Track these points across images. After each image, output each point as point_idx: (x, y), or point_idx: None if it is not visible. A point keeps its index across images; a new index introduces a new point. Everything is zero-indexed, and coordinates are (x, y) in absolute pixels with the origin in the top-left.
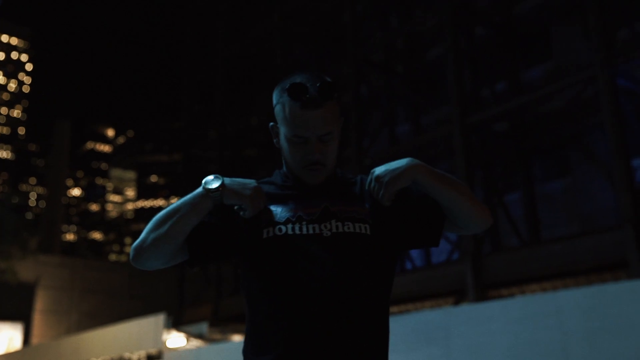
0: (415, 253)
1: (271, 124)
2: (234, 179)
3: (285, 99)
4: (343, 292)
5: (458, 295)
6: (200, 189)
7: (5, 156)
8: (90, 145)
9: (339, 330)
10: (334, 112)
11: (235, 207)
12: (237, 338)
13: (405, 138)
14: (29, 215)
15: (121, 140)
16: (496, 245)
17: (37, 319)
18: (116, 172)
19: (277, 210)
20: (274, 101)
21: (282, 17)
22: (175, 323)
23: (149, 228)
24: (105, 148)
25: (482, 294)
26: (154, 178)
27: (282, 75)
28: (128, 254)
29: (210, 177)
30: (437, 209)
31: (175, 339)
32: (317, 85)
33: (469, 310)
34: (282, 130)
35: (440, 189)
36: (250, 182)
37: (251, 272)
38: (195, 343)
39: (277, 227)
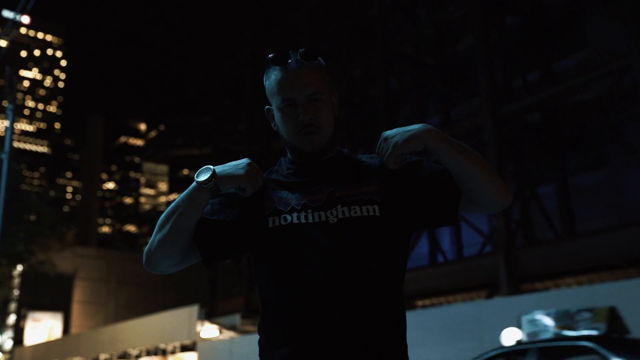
0: (446, 246)
1: (266, 107)
2: (224, 164)
3: (272, 71)
4: (351, 281)
5: (491, 289)
6: (194, 183)
7: (43, 150)
8: (123, 139)
9: (351, 320)
10: (320, 74)
11: (237, 191)
12: None
13: None
14: (66, 209)
15: (153, 134)
16: (529, 238)
17: (76, 309)
18: (149, 166)
19: (283, 198)
20: (264, 82)
21: (310, 11)
22: (208, 315)
23: (155, 231)
24: (138, 142)
25: (515, 287)
26: (185, 171)
27: None
28: None
29: (201, 169)
30: (452, 185)
31: (209, 330)
32: (300, 51)
33: (502, 304)
34: (274, 104)
35: (454, 156)
36: (242, 161)
37: (259, 262)
38: (228, 334)
39: (283, 216)
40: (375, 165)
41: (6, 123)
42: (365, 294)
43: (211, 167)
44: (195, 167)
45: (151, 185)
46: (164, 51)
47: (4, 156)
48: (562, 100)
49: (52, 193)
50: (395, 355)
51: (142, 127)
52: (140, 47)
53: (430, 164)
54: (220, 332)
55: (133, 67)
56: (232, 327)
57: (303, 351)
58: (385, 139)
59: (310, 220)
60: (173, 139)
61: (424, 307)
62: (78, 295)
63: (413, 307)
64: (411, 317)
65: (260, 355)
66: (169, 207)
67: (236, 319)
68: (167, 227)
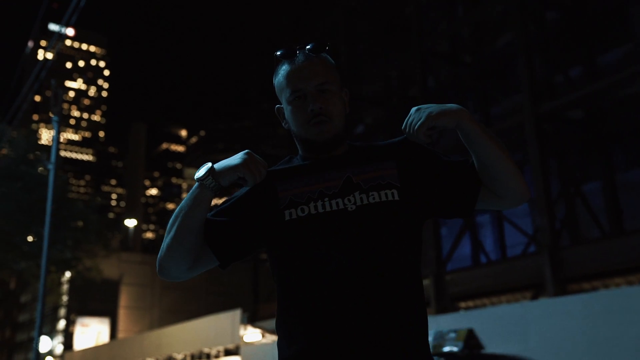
0: (489, 246)
1: (277, 106)
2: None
3: (280, 67)
4: (373, 270)
5: (536, 290)
6: (196, 183)
7: (88, 159)
8: (165, 146)
9: (376, 312)
10: (328, 66)
11: (240, 183)
12: None
13: None
14: (111, 215)
15: (194, 140)
16: (575, 237)
17: (122, 314)
18: (190, 172)
19: (296, 188)
20: (273, 81)
21: (346, 12)
22: (251, 319)
23: (164, 237)
24: (179, 148)
25: (562, 287)
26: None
27: (347, 71)
28: None
29: (200, 167)
30: (474, 175)
31: (252, 334)
32: (307, 45)
33: (548, 305)
34: (284, 99)
35: (484, 140)
36: (240, 153)
37: (277, 257)
38: (271, 338)
39: (299, 207)
40: (393, 148)
41: (52, 133)
42: (388, 283)
43: (209, 163)
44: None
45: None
46: (203, 57)
47: (51, 166)
48: (606, 95)
49: (97, 200)
50: (417, 347)
51: (183, 133)
52: (180, 54)
53: (449, 158)
54: (263, 335)
55: (173, 74)
56: (274, 331)
57: (328, 342)
58: (418, 109)
59: (327, 208)
60: (214, 144)
61: (467, 308)
62: (124, 300)
63: (456, 308)
64: (454, 319)
65: (279, 355)
66: (175, 212)
67: None
68: (173, 231)
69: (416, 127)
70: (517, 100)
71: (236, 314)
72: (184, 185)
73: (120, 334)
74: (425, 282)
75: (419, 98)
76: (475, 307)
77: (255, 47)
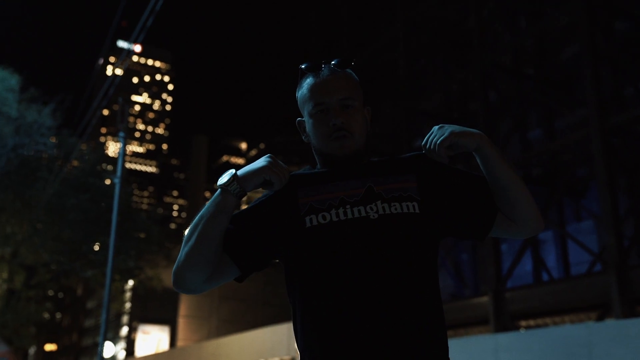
0: (551, 263)
1: (298, 119)
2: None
3: (304, 80)
4: (394, 279)
5: (602, 310)
6: (218, 190)
7: (152, 170)
8: (225, 158)
9: (398, 321)
10: (352, 82)
11: (265, 189)
12: None
13: (538, 143)
14: (172, 226)
15: (253, 153)
16: None
17: (182, 323)
18: None
19: (317, 195)
20: (296, 94)
21: (406, 26)
22: None
23: (182, 246)
24: (239, 161)
25: (630, 309)
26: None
27: (407, 85)
28: None
29: (223, 174)
30: (491, 200)
31: None
32: (333, 60)
33: (615, 327)
34: (306, 112)
35: (502, 165)
36: (263, 157)
37: (296, 265)
38: None
39: (321, 214)
40: (413, 162)
41: (119, 146)
42: (410, 294)
43: (232, 169)
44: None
45: (251, 202)
46: (263, 72)
47: (117, 180)
48: None
49: (159, 211)
50: (435, 357)
51: (244, 146)
52: (241, 68)
53: (469, 172)
54: None
55: (235, 88)
56: None
57: (345, 347)
58: (441, 127)
59: (350, 216)
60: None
61: (528, 327)
62: (183, 309)
63: (516, 327)
64: (514, 338)
65: None
66: (195, 219)
67: None
68: (193, 238)
69: (438, 142)
70: (583, 113)
71: (292, 326)
72: (244, 199)
73: (180, 342)
74: (484, 299)
75: (480, 112)
76: (537, 326)
77: (314, 61)
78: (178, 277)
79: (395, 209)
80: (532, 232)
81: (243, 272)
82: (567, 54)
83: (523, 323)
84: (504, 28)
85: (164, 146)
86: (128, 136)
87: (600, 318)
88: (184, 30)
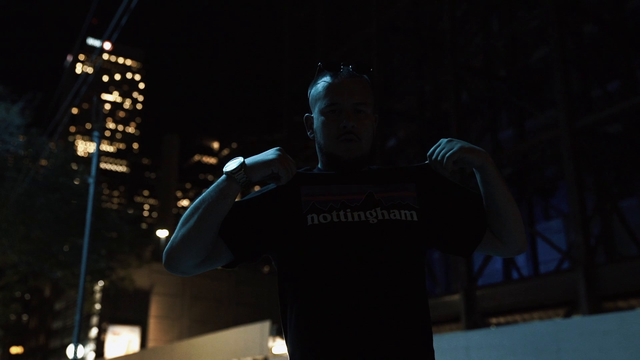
0: (521, 262)
1: (306, 115)
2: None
3: (321, 77)
4: (391, 282)
5: (569, 307)
6: (222, 176)
7: (122, 170)
8: (197, 157)
9: (392, 321)
10: (367, 89)
11: (270, 181)
12: None
13: (509, 144)
14: (143, 226)
15: (226, 152)
16: (611, 254)
17: (152, 324)
18: None
19: (319, 195)
20: (309, 89)
21: (380, 27)
22: (280, 330)
23: (178, 226)
24: (211, 160)
25: (597, 305)
26: (256, 188)
27: (380, 86)
28: None
29: (230, 161)
30: (482, 219)
31: (280, 346)
32: (351, 63)
33: (582, 323)
34: (317, 109)
35: (500, 185)
36: (272, 149)
37: (292, 261)
38: None
39: (322, 214)
40: (414, 173)
41: (90, 145)
42: (403, 297)
43: (240, 157)
44: (266, 184)
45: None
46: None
47: (91, 180)
48: None
49: (130, 211)
50: (424, 356)
51: (216, 145)
52: (213, 67)
53: (466, 187)
54: None
55: (207, 87)
56: None
57: (338, 343)
58: (450, 140)
59: (350, 219)
60: (245, 156)
61: (498, 324)
62: (154, 310)
63: (487, 324)
64: (485, 335)
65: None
66: (195, 202)
67: None
68: (192, 221)
69: (447, 155)
70: (553, 114)
71: (265, 325)
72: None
73: (150, 343)
74: (456, 297)
75: (452, 112)
76: (507, 323)
77: (288, 60)
78: (171, 258)
79: (394, 215)
80: (516, 252)
81: (236, 259)
82: (537, 56)
83: (494, 320)
84: (476, 30)
85: (135, 145)
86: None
87: (567, 315)
88: (155, 28)
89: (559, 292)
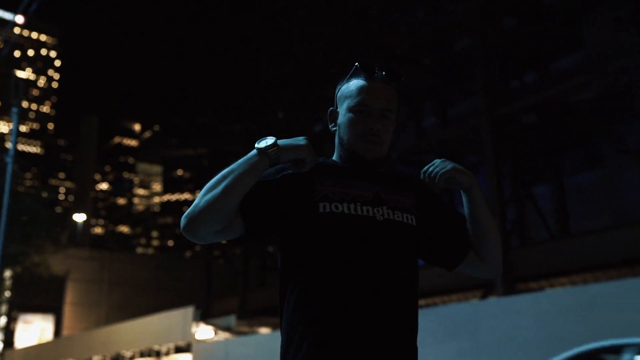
0: None
1: (330, 108)
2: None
3: (354, 76)
4: (389, 277)
5: (485, 289)
6: (253, 151)
7: (35, 151)
8: (117, 139)
9: (381, 313)
10: (395, 98)
11: (294, 166)
12: (264, 330)
13: (432, 131)
14: (59, 209)
15: (147, 134)
16: (524, 238)
17: (68, 311)
18: (143, 166)
19: (331, 186)
20: (339, 85)
21: (307, 12)
22: (204, 315)
23: (202, 193)
24: (132, 142)
25: (511, 287)
26: (179, 172)
27: (307, 71)
28: (155, 247)
29: (262, 139)
30: (467, 238)
31: (204, 332)
32: (385, 69)
33: (497, 304)
34: (345, 106)
35: (484, 208)
36: (300, 137)
37: (300, 246)
38: (223, 335)
39: (334, 204)
40: (413, 182)
41: (11, 125)
42: (401, 293)
43: (273, 137)
44: (190, 167)
45: (145, 185)
46: (159, 51)
47: (9, 159)
48: (558, 101)
49: (44, 194)
50: (411, 354)
51: (137, 127)
52: (135, 47)
53: (453, 207)
54: (216, 333)
55: (128, 67)
56: (227, 328)
57: (332, 332)
58: (444, 160)
59: (359, 212)
60: (168, 139)
61: (419, 307)
62: (70, 296)
63: None
64: None
65: (286, 348)
66: (222, 172)
67: (231, 320)
68: (219, 189)
69: (440, 172)
70: (474, 103)
71: (188, 310)
72: (136, 180)
73: (65, 331)
74: None
75: None
76: (427, 305)
77: (213, 43)
78: (192, 221)
79: (398, 216)
80: (494, 273)
81: (247, 234)
82: (460, 46)
83: None
84: (402, 18)
85: (50, 126)
86: (8, 113)
87: (484, 296)
88: (72, 3)
89: None
